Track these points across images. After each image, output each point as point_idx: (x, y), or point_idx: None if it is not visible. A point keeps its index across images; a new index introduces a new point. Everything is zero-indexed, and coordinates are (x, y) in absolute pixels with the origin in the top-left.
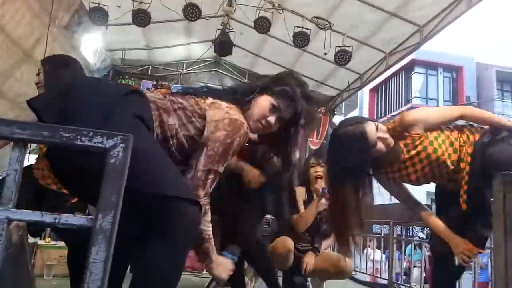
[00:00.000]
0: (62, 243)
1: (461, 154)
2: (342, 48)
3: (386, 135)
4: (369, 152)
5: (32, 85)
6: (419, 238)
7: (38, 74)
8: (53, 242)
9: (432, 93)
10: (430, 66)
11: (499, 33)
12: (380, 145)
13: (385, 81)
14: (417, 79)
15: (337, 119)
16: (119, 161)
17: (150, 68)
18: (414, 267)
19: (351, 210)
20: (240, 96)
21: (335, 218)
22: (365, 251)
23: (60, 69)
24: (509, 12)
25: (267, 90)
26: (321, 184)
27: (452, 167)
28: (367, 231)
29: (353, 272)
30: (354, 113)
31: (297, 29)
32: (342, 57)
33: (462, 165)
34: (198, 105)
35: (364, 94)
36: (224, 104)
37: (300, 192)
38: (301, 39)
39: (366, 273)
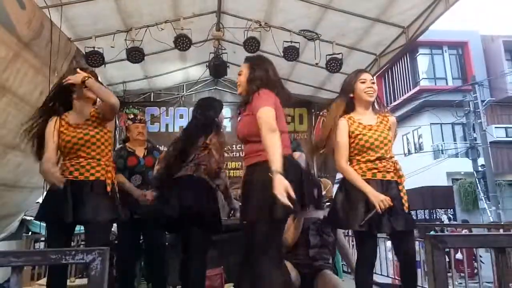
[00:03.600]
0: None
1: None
2: (333, 56)
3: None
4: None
5: None
6: (441, 222)
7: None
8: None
9: (440, 72)
10: (434, 45)
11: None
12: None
13: (390, 67)
14: (423, 60)
15: None
16: (98, 272)
17: (152, 95)
18: None
19: None
20: None
21: None
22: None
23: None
24: None
25: None
26: None
27: (380, 150)
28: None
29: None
30: None
31: (286, 44)
32: (333, 65)
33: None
34: None
35: None
36: None
37: None
38: (291, 53)
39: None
